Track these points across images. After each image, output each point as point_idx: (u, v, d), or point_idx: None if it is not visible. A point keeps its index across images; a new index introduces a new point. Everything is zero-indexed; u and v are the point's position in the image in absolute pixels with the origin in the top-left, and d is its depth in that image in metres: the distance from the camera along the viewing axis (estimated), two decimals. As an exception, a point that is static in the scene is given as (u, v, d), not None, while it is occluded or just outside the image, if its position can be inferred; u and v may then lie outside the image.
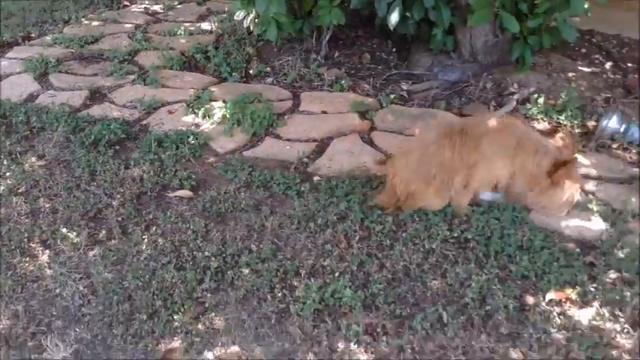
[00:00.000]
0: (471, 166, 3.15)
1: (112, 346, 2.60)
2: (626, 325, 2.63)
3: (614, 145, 3.81)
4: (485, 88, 4.45)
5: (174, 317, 2.69)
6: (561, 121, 4.03)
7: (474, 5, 4.00)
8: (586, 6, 4.05)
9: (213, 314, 2.72)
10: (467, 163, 3.13)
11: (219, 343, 2.61)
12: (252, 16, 4.77)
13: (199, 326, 2.67)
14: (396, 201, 3.18)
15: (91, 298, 2.80)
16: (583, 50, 5.03)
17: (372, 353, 2.54)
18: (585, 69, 4.72)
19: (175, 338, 2.63)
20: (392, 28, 4.18)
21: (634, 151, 3.76)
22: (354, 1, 4.30)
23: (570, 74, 4.64)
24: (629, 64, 4.82)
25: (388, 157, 3.47)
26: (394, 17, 4.14)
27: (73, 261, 3.01)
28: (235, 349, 2.59)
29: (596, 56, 4.95)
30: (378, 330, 2.63)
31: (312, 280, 2.82)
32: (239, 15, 4.82)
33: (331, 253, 2.99)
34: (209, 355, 2.55)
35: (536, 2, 4.10)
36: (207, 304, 2.76)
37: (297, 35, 4.91)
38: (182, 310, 2.71)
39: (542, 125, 4.08)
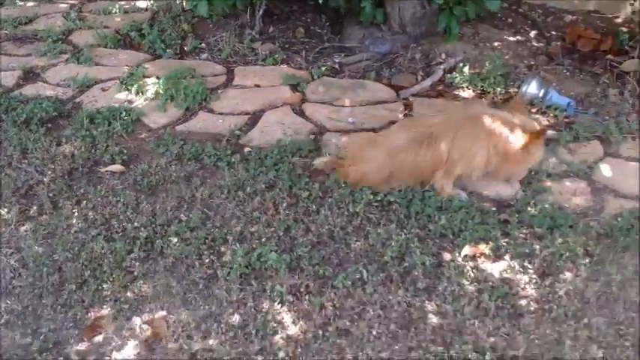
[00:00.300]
0: (451, 163, 3.24)
1: (42, 316, 2.67)
2: (534, 276, 2.79)
3: (534, 110, 3.95)
4: (414, 59, 4.59)
5: (103, 286, 2.76)
6: (485, 89, 4.16)
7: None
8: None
9: (141, 282, 2.80)
10: (444, 164, 3.23)
11: (147, 309, 2.69)
12: (185, -8, 4.79)
13: (128, 294, 2.75)
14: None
15: (22, 271, 2.86)
16: (510, 20, 5.18)
17: (295, 312, 2.65)
18: (511, 38, 4.88)
19: (104, 306, 2.70)
20: (320, 1, 4.25)
21: (551, 114, 3.91)
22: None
23: (496, 43, 4.79)
24: (553, 33, 4.99)
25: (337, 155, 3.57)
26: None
27: (4, 237, 3.05)
28: (163, 313, 2.67)
29: (522, 26, 5.09)
30: (302, 290, 2.74)
31: (239, 245, 2.90)
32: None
33: (259, 220, 3.09)
34: (137, 320, 2.63)
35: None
36: (136, 273, 2.83)
37: (232, 11, 4.95)
38: (111, 279, 2.79)
39: (467, 93, 4.22)
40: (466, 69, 4.32)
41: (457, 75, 4.30)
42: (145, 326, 2.62)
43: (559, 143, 3.63)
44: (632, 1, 4.67)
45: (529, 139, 3.16)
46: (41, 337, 2.57)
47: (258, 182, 3.33)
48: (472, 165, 3.24)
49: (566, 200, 3.29)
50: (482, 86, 4.19)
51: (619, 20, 5.00)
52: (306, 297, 2.71)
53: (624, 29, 4.64)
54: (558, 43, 4.79)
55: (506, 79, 4.28)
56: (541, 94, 3.98)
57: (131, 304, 2.71)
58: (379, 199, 3.22)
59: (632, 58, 4.28)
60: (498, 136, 3.17)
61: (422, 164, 3.21)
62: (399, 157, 3.19)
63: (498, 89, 4.14)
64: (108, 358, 2.52)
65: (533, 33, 4.99)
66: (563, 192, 3.35)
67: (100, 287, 2.76)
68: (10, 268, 2.88)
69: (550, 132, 3.67)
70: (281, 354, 2.48)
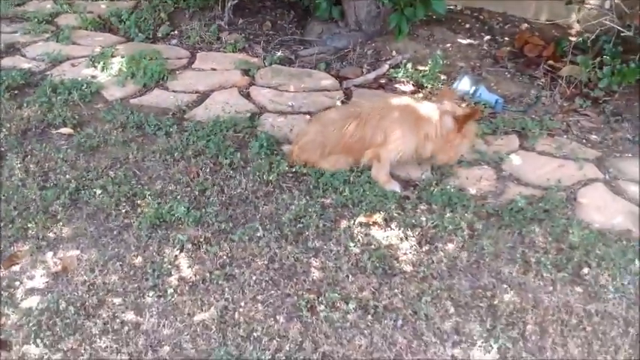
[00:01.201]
0: (377, 145, 3.50)
1: (-31, 247, 3.00)
2: (414, 244, 3.07)
3: (464, 105, 4.24)
4: (365, 54, 4.90)
5: (28, 225, 3.10)
6: (422, 84, 4.46)
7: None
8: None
9: (62, 225, 3.13)
10: (370, 144, 3.49)
11: (63, 248, 3.02)
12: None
13: (49, 234, 3.08)
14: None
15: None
16: (467, 25, 5.48)
17: (191, 258, 2.96)
18: (463, 41, 5.17)
19: (26, 243, 3.03)
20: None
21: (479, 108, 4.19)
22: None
23: (448, 45, 5.09)
24: (506, 38, 5.27)
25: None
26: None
27: (-48, 182, 3.40)
28: (76, 252, 3.00)
29: (478, 31, 5.38)
30: (202, 240, 3.04)
31: (155, 200, 3.23)
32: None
33: (180, 181, 3.42)
34: (50, 256, 2.95)
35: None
36: (59, 217, 3.17)
37: (204, 3, 5.32)
38: (35, 220, 3.12)
39: (407, 87, 4.51)
40: (409, 65, 4.61)
41: (401, 70, 4.58)
42: (57, 261, 2.94)
43: (477, 135, 3.84)
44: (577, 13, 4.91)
45: (462, 121, 3.41)
46: (-36, 263, 2.88)
47: (188, 149, 3.65)
48: (399, 148, 3.48)
49: (470, 185, 3.55)
50: (420, 81, 4.45)
51: (572, 30, 5.23)
52: (204, 247, 3.00)
53: (572, 38, 4.88)
54: (507, 48, 5.04)
55: (447, 76, 4.53)
56: (471, 91, 4.26)
57: (49, 243, 3.03)
58: (294, 170, 3.51)
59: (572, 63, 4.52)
60: (428, 122, 3.44)
61: (350, 139, 3.48)
62: (328, 128, 3.51)
63: (434, 85, 4.39)
64: (19, 284, 2.81)
65: (486, 38, 5.27)
66: (470, 177, 3.61)
67: (24, 227, 3.09)
68: (-50, 207, 3.20)
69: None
70: (170, 291, 2.77)
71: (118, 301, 2.74)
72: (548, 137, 4.00)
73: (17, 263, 2.94)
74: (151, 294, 2.78)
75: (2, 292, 2.76)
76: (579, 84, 4.38)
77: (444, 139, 3.48)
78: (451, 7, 5.77)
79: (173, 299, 2.75)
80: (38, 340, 2.55)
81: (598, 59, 4.28)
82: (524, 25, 5.46)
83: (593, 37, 4.28)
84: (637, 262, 2.99)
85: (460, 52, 4.98)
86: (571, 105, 4.26)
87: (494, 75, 4.71)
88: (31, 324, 2.60)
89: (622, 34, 4.27)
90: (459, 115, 3.43)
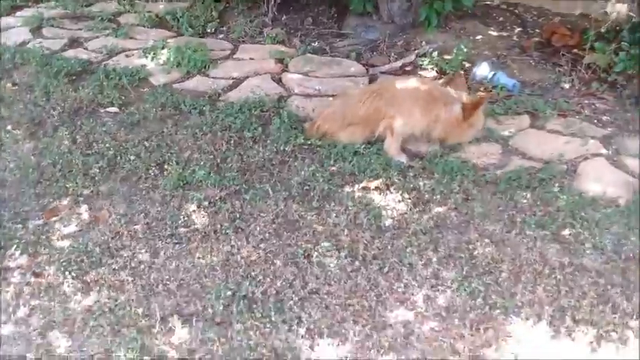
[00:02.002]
0: (390, 117, 3.85)
1: (20, 200, 3.48)
2: (410, 205, 3.36)
3: (482, 88, 4.48)
4: (396, 45, 5.21)
5: (68, 185, 3.55)
6: (446, 70, 4.73)
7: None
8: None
9: (99, 185, 3.57)
10: (385, 115, 3.81)
11: (97, 205, 3.45)
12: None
13: (85, 192, 3.53)
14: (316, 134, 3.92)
15: (16, 171, 3.69)
16: (501, 19, 5.69)
17: (206, 213, 3.34)
18: (494, 33, 5.40)
19: (66, 199, 3.49)
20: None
21: (494, 92, 4.43)
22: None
23: (478, 37, 5.33)
24: (537, 31, 5.45)
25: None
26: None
27: (11, 148, 3.91)
28: (110, 207, 3.43)
29: (510, 24, 5.58)
30: (217, 199, 3.42)
31: (180, 165, 3.64)
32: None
33: (205, 151, 3.81)
34: (84, 208, 3.40)
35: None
36: (97, 179, 3.61)
37: (252, 2, 5.79)
38: (76, 180, 3.58)
39: (431, 74, 4.78)
40: (435, 54, 4.87)
41: (426, 59, 4.86)
42: (90, 213, 3.37)
43: (490, 115, 4.10)
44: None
45: (469, 109, 3.70)
46: (13, 212, 3.37)
47: (216, 125, 4.04)
48: (409, 124, 3.78)
49: (474, 158, 3.78)
50: (444, 69, 4.72)
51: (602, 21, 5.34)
52: (219, 204, 3.38)
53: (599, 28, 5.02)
54: (535, 39, 5.23)
55: (471, 64, 4.79)
56: (490, 75, 4.49)
57: (86, 199, 3.47)
58: (309, 142, 3.84)
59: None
60: (438, 104, 3.75)
61: (367, 110, 3.81)
62: (349, 101, 3.88)
63: (455, 70, 4.65)
64: (57, 230, 3.26)
65: (517, 30, 5.47)
66: (476, 152, 3.85)
67: (66, 185, 3.54)
68: (8, 168, 3.70)
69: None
70: (184, 238, 3.16)
71: (138, 245, 3.13)
72: (560, 117, 4.17)
73: (57, 215, 3.36)
74: (167, 241, 3.16)
75: (42, 236, 3.17)
76: (598, 70, 4.50)
77: (452, 124, 3.75)
78: (488, 2, 5.96)
79: (186, 245, 3.11)
80: (67, 273, 2.93)
81: (616, 46, 4.39)
82: (557, 18, 5.56)
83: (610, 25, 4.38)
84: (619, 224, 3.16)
85: (489, 43, 5.19)
86: (588, 89, 4.41)
87: (519, 63, 4.90)
88: (61, 260, 3.00)
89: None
90: (466, 103, 3.69)
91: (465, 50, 4.81)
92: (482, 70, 4.48)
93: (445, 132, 3.82)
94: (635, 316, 2.67)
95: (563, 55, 4.80)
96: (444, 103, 3.73)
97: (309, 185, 3.48)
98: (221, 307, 2.74)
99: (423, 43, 5.15)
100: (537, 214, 3.24)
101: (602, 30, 4.54)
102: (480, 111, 3.80)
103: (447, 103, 3.73)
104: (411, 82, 3.93)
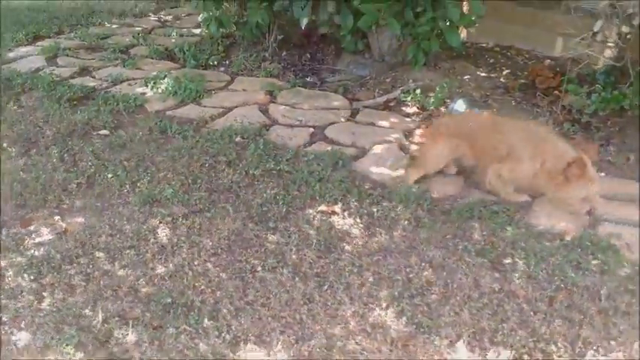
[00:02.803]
0: (501, 158, 3.74)
1: (4, 211, 3.75)
2: (362, 229, 3.52)
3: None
4: (383, 82, 5.42)
5: (48, 198, 3.82)
6: (425, 106, 4.92)
7: (364, 10, 4.99)
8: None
9: (75, 199, 3.83)
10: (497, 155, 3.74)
11: (71, 216, 3.70)
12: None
13: (62, 205, 3.78)
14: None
15: (3, 184, 3.97)
16: (492, 60, 5.86)
17: (168, 228, 3.56)
18: (482, 74, 5.58)
19: (43, 210, 3.74)
20: (302, 27, 5.23)
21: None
22: (277, 4, 5.39)
23: (466, 76, 5.51)
24: (525, 73, 5.60)
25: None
26: (304, 19, 5.18)
27: (5, 165, 4.20)
28: (80, 219, 3.68)
29: (500, 66, 5.75)
30: (179, 216, 3.64)
31: (152, 184, 3.88)
32: (201, 17, 6.04)
33: (179, 172, 4.05)
34: (57, 219, 3.65)
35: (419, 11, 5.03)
36: (74, 193, 3.87)
37: (255, 38, 6.07)
38: (55, 194, 3.84)
39: (412, 109, 4.98)
40: (418, 91, 5.06)
41: (410, 95, 5.06)
42: (63, 224, 3.62)
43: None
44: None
45: (572, 168, 3.47)
46: (-9, 221, 3.60)
47: (195, 148, 4.28)
48: (517, 168, 3.72)
49: (436, 188, 3.94)
50: (425, 105, 4.91)
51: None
52: (181, 220, 3.59)
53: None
54: (521, 80, 5.39)
55: (450, 101, 4.97)
56: (465, 112, 4.66)
57: (61, 211, 3.72)
58: (278, 168, 4.05)
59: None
60: (548, 155, 3.60)
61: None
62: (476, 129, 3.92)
63: (434, 107, 4.84)
64: (28, 239, 3.51)
65: (505, 72, 5.62)
66: (440, 182, 4.00)
67: (45, 198, 3.80)
68: (-3, 183, 3.99)
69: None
70: (142, 250, 3.38)
71: (98, 254, 3.34)
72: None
73: (32, 224, 3.61)
74: (126, 252, 3.37)
75: (12, 243, 3.43)
76: (573, 111, 4.63)
77: (550, 176, 3.59)
78: (483, 44, 6.15)
79: (142, 257, 3.32)
80: (25, 275, 3.17)
81: (590, 88, 4.53)
82: (547, 61, 5.71)
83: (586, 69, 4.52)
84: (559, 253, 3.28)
85: (475, 82, 5.36)
86: (561, 130, 4.53)
87: (500, 102, 5.05)
88: (23, 264, 3.24)
89: (617, 65, 4.51)
90: (569, 159, 3.49)
91: (447, 88, 4.95)
92: (459, 106, 4.65)
93: (548, 187, 3.67)
94: (552, 342, 2.76)
95: (540, 96, 4.91)
96: (552, 152, 3.62)
97: (268, 207, 3.64)
98: (160, 313, 2.90)
99: (410, 80, 5.31)
100: (481, 244, 3.34)
101: (574, 73, 4.63)
102: (583, 172, 3.50)
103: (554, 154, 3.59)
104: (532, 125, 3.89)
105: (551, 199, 3.69)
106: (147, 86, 5.39)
